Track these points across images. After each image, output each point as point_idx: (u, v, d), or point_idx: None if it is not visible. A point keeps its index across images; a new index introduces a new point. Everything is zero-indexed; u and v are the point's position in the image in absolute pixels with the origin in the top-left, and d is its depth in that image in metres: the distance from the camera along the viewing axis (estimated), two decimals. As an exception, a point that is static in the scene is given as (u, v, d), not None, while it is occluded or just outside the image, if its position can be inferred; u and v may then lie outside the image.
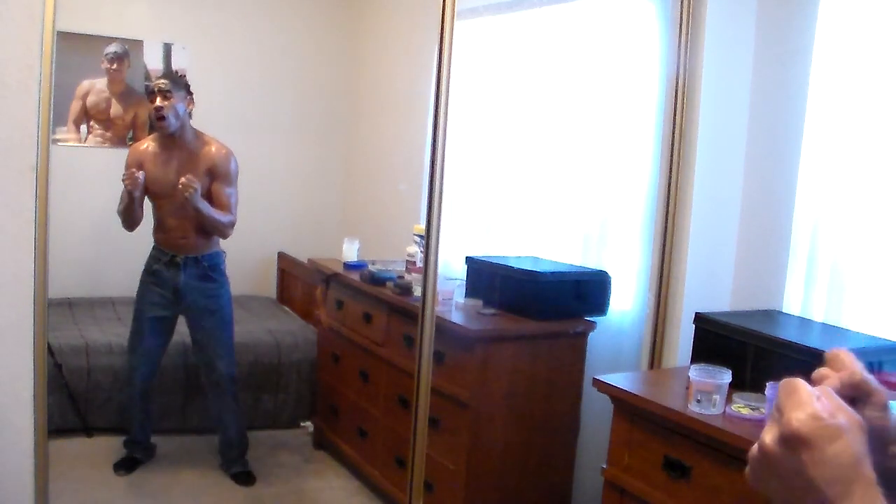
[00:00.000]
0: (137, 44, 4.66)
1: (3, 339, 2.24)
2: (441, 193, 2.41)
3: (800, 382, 0.64)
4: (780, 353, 2.13)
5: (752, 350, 2.21)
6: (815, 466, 0.60)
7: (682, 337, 2.75)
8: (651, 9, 2.98)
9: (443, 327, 2.73)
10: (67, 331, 3.98)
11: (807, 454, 0.60)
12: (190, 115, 3.38)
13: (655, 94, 2.93)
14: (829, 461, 0.60)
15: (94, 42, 4.54)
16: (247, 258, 4.92)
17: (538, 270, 2.98)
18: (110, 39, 4.58)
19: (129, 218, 3.37)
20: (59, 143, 4.43)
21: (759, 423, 1.84)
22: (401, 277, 3.35)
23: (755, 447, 0.65)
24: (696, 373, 2.00)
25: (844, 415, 0.62)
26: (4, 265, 2.22)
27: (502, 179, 3.69)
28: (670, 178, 2.79)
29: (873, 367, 2.05)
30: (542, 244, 3.41)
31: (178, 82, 3.34)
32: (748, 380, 2.17)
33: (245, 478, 3.58)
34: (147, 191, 3.37)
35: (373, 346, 3.43)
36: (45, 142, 2.19)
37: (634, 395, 2.17)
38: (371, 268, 3.54)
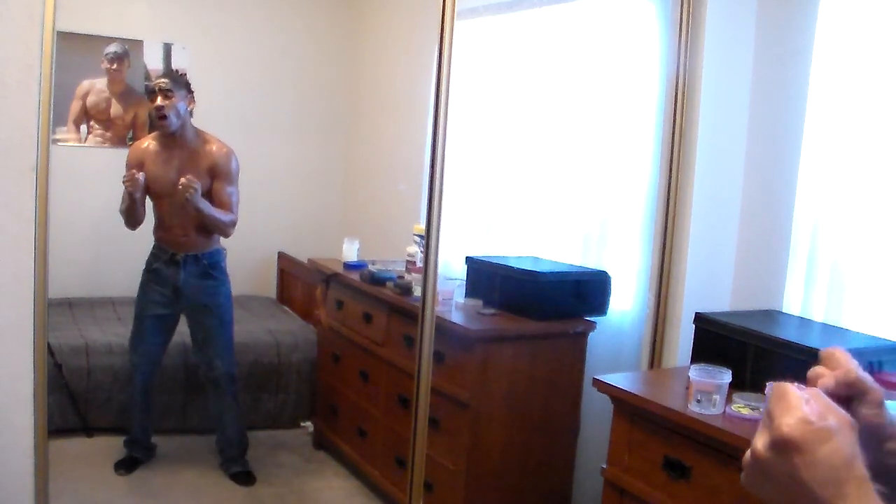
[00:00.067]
0: (137, 44, 4.66)
1: (3, 339, 2.24)
2: (441, 193, 2.41)
3: (788, 387, 0.65)
4: (780, 353, 2.13)
5: (751, 350, 2.21)
6: (807, 469, 0.61)
7: (682, 337, 2.75)
8: (651, 9, 2.98)
9: (443, 327, 2.73)
10: (67, 331, 3.98)
11: (798, 458, 0.61)
12: (191, 113, 3.38)
13: (655, 95, 2.93)
14: (820, 463, 0.60)
15: (94, 42, 4.54)
16: (247, 258, 4.92)
17: (538, 270, 2.98)
18: (110, 39, 4.58)
19: (131, 217, 3.37)
20: (59, 143, 4.43)
21: (759, 424, 1.84)
22: (401, 277, 3.35)
23: (748, 453, 0.65)
24: (696, 373, 2.00)
25: (834, 416, 0.62)
26: (4, 265, 2.22)
27: (502, 179, 3.69)
28: (670, 178, 2.79)
29: (873, 367, 2.06)
30: (542, 244, 3.41)
31: (179, 81, 3.34)
32: (748, 380, 2.17)
33: (245, 478, 3.58)
34: (148, 189, 3.37)
35: (373, 346, 3.43)
36: (45, 142, 2.19)
37: (634, 395, 2.17)
38: (371, 268, 3.54)
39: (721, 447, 1.89)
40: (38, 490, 2.30)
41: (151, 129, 4.12)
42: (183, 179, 3.18)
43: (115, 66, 4.61)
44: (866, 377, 0.70)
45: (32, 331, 2.24)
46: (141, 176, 3.27)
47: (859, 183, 2.42)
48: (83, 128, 4.61)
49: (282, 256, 5.12)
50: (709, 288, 2.81)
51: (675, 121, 2.77)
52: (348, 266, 3.71)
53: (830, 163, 2.50)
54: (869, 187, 2.39)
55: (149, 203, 3.45)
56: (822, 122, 2.53)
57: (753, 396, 1.99)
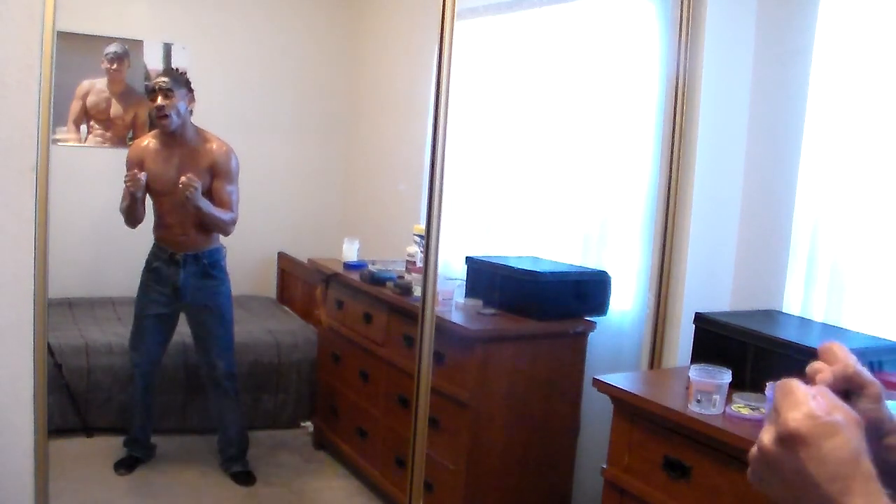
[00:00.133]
0: (137, 44, 4.66)
1: (3, 339, 2.24)
2: (441, 193, 2.41)
3: (795, 383, 0.65)
4: (780, 353, 2.13)
5: (751, 350, 2.21)
6: (813, 464, 0.60)
7: (682, 337, 2.75)
8: (651, 9, 2.98)
9: (443, 327, 2.72)
10: (67, 331, 3.98)
11: (805, 452, 0.61)
12: (191, 112, 3.38)
13: (655, 94, 2.93)
14: (827, 458, 0.60)
15: (94, 42, 4.54)
16: (247, 258, 4.92)
17: (538, 270, 2.98)
18: (110, 39, 4.58)
19: (131, 216, 3.37)
20: (59, 143, 4.43)
21: (759, 423, 1.84)
22: (401, 277, 3.35)
23: (754, 448, 0.65)
24: (696, 373, 2.00)
25: (841, 412, 0.62)
26: (4, 265, 2.22)
27: (502, 179, 3.69)
28: (670, 178, 2.79)
29: (873, 367, 2.06)
30: (542, 244, 3.41)
31: (179, 80, 3.34)
32: (748, 380, 2.17)
33: (245, 477, 3.58)
34: (148, 188, 3.37)
35: (373, 346, 3.43)
36: (45, 142, 2.19)
37: (634, 395, 2.17)
38: (371, 268, 3.54)
39: (721, 447, 1.89)
40: (38, 490, 2.30)
41: (151, 128, 4.11)
42: (183, 178, 3.18)
43: (115, 66, 4.61)
44: (864, 371, 0.70)
45: (32, 331, 2.24)
46: (143, 175, 3.28)
47: (859, 183, 2.42)
48: (83, 128, 4.61)
49: (282, 256, 5.12)
50: (709, 288, 2.81)
51: (675, 121, 2.77)
52: (348, 266, 3.72)
53: (830, 163, 2.50)
54: (869, 187, 2.39)
55: (148, 202, 3.45)
56: (822, 122, 2.53)
57: (753, 396, 1.99)
